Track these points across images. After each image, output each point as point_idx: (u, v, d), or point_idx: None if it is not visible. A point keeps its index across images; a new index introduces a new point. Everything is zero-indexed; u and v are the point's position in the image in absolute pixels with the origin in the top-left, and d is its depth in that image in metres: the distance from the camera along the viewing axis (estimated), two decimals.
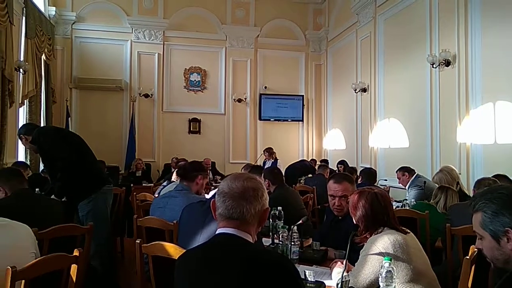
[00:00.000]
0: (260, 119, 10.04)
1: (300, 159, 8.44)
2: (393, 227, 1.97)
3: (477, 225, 1.42)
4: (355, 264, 1.95)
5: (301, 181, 7.21)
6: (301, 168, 7.76)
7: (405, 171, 5.08)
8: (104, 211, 3.61)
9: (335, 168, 7.81)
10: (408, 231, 1.98)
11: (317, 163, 9.37)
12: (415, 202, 4.29)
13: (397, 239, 1.88)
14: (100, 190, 3.58)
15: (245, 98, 9.87)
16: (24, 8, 7.13)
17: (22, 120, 7.22)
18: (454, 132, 5.46)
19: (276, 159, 8.44)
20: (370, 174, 5.22)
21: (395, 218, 2.05)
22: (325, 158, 9.43)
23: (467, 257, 2.09)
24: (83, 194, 3.49)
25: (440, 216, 3.45)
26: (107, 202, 3.73)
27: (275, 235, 2.84)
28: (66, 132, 3.87)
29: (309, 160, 9.17)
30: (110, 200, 3.87)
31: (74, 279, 1.85)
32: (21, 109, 7.16)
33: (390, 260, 1.72)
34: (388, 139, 7.19)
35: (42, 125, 7.85)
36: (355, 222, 2.06)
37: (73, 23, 9.04)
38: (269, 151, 8.38)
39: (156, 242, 2.09)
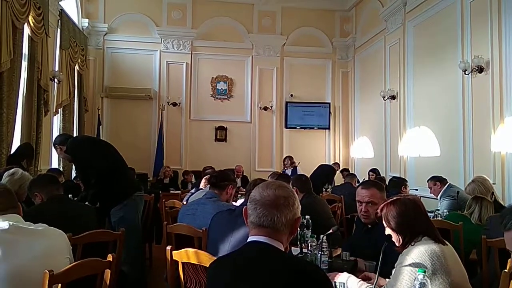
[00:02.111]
0: (286, 127, 10.03)
1: (318, 165, 8.31)
2: (432, 235, 1.89)
3: (510, 243, 1.36)
4: (390, 277, 1.89)
5: (328, 189, 7.14)
6: (322, 172, 7.70)
7: (437, 181, 4.94)
8: (135, 218, 3.68)
9: (364, 177, 7.70)
10: (447, 243, 1.89)
11: (336, 163, 9.29)
12: (447, 213, 4.17)
13: (434, 250, 1.80)
14: (132, 197, 3.65)
15: (271, 106, 9.89)
16: (59, 21, 7.43)
17: (56, 128, 7.48)
18: (488, 141, 5.29)
19: (295, 167, 8.38)
20: (395, 183, 5.12)
21: (434, 226, 1.97)
22: (347, 167, 9.32)
23: (506, 270, 2.00)
24: (115, 200, 3.57)
25: (474, 228, 3.33)
26: (138, 209, 3.80)
27: (303, 244, 2.82)
28: (98, 141, 4.01)
29: (331, 163, 9.11)
30: (141, 207, 3.94)
31: (108, 284, 1.89)
32: (55, 118, 7.42)
33: (424, 272, 1.66)
34: (419, 147, 7.02)
35: (75, 133, 8.11)
36: (391, 231, 1.97)
37: (105, 34, 9.33)
38: (290, 160, 8.36)
39: (187, 248, 2.11)
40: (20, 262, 1.75)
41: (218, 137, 9.81)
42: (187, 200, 4.42)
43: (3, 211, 1.89)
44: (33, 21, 5.97)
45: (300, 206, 1.50)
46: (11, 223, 1.83)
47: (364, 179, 7.41)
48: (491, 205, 3.50)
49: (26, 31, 5.94)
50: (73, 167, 7.93)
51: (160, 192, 6.69)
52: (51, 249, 1.90)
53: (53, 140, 4.10)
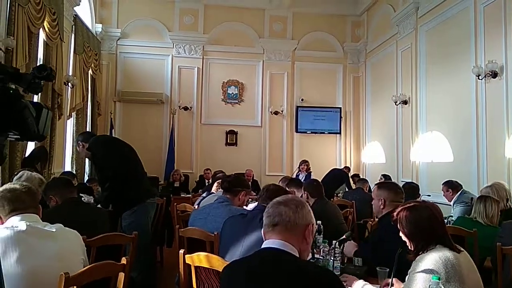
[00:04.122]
0: (296, 131, 10.02)
1: (329, 170, 8.27)
2: (447, 243, 1.86)
3: None
4: (404, 284, 1.87)
5: (339, 194, 7.10)
6: (333, 177, 7.66)
7: (450, 187, 4.88)
8: (145, 223, 3.69)
9: (375, 182, 7.62)
10: (462, 249, 1.87)
11: (346, 166, 9.24)
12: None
13: (448, 258, 1.77)
14: (143, 203, 3.67)
15: (282, 111, 9.90)
16: (73, 26, 7.54)
17: (70, 131, 7.57)
18: (502, 147, 5.21)
19: (309, 173, 8.35)
20: (412, 189, 5.06)
21: (448, 234, 1.94)
22: (357, 173, 9.27)
23: None
24: (127, 205, 3.60)
25: (487, 234, 3.29)
26: (149, 215, 3.81)
27: (315, 250, 2.81)
28: (120, 143, 3.98)
29: (341, 167, 9.06)
30: (152, 213, 3.94)
31: (121, 287, 1.91)
32: (68, 121, 7.50)
33: (439, 279, 1.65)
34: (431, 153, 6.95)
35: None
36: (405, 236, 1.95)
37: (118, 39, 9.45)
38: (306, 165, 8.36)
39: (199, 252, 2.12)
40: (37, 262, 1.79)
41: (228, 141, 9.84)
42: (198, 204, 4.42)
43: (23, 210, 1.94)
44: (48, 26, 6.07)
45: (311, 213, 1.55)
46: (28, 223, 1.88)
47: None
48: (496, 203, 3.47)
49: (42, 36, 6.04)
50: (86, 170, 8.04)
51: (171, 195, 6.72)
52: (66, 250, 1.95)
53: (76, 138, 4.14)
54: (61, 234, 1.97)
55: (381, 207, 2.81)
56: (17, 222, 1.87)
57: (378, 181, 7.33)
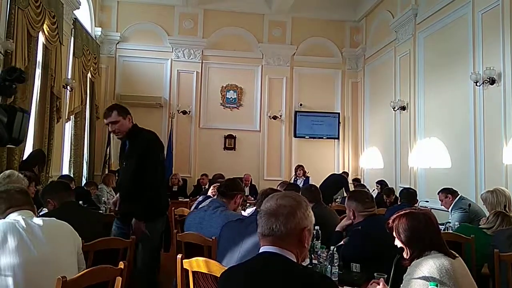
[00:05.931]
0: (295, 136, 10.02)
1: (328, 175, 8.27)
2: (442, 250, 1.87)
3: None
4: None
5: (337, 200, 7.10)
6: (332, 182, 7.66)
7: (448, 193, 4.88)
8: (155, 239, 3.36)
9: (372, 187, 7.64)
10: (457, 255, 1.88)
11: (345, 172, 9.25)
12: (458, 225, 4.13)
13: (443, 264, 1.78)
14: (163, 217, 3.40)
15: (280, 115, 9.91)
16: (73, 29, 7.54)
17: (68, 135, 7.56)
18: (499, 153, 5.23)
19: (307, 178, 8.35)
20: (409, 195, 5.06)
21: (444, 241, 1.95)
22: (358, 177, 9.29)
23: None
24: (149, 215, 3.16)
25: (486, 241, 3.29)
26: (159, 230, 3.45)
27: (313, 255, 2.80)
28: (164, 152, 3.57)
29: (340, 172, 9.07)
30: (161, 229, 3.70)
31: None
32: (67, 125, 7.49)
33: (436, 285, 1.65)
34: (429, 159, 6.96)
35: (85, 140, 8.14)
36: (401, 243, 1.96)
37: (117, 43, 9.46)
38: (302, 170, 8.38)
39: (197, 257, 2.11)
40: (31, 254, 1.86)
41: (227, 146, 9.82)
42: (195, 208, 4.42)
43: (19, 206, 2.05)
44: (48, 29, 6.08)
45: (309, 217, 1.50)
46: (24, 217, 1.97)
47: (373, 190, 7.37)
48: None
49: (41, 39, 6.04)
50: (84, 174, 8.00)
51: (169, 199, 6.69)
52: (56, 242, 2.01)
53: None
54: (52, 226, 2.04)
55: (352, 217, 2.89)
56: (16, 217, 1.99)
57: (375, 188, 7.39)
